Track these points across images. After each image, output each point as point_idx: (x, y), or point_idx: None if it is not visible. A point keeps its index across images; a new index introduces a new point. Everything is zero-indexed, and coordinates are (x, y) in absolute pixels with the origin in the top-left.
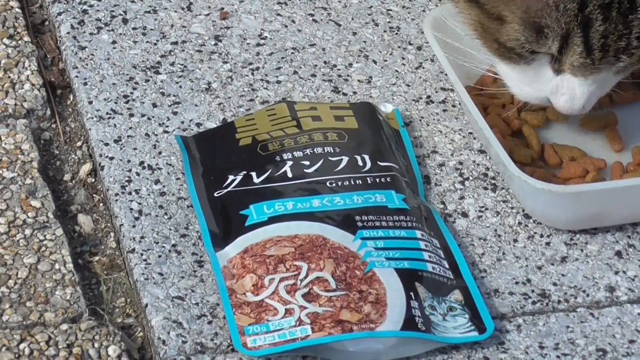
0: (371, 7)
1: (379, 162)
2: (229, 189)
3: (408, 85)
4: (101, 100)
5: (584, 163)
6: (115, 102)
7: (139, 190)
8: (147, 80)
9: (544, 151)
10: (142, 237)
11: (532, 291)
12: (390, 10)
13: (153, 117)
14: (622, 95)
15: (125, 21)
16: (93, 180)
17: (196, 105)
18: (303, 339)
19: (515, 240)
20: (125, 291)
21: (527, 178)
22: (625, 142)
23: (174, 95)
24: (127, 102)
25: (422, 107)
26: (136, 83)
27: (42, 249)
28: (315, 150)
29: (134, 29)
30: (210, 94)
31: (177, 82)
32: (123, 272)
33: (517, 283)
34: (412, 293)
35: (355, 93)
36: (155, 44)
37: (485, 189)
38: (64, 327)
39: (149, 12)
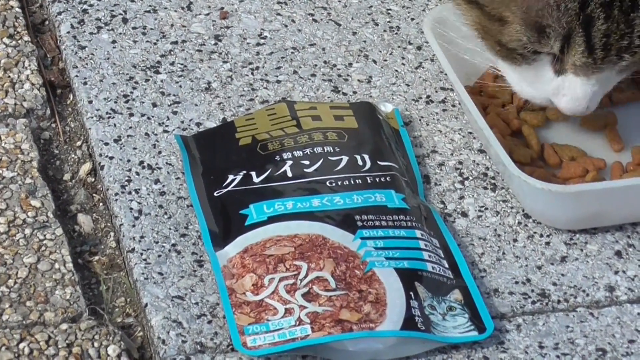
0: (371, 6)
1: (378, 162)
2: (229, 188)
3: (408, 85)
4: (101, 100)
5: (584, 163)
6: (115, 102)
7: (139, 189)
8: (147, 80)
9: (544, 151)
10: (141, 237)
11: (532, 291)
12: (390, 10)
13: (153, 116)
14: (622, 95)
15: (125, 21)
16: (93, 179)
17: (196, 105)
18: (303, 339)
19: (515, 240)
20: (125, 291)
21: (527, 178)
22: (625, 142)
23: (174, 95)
24: (127, 102)
25: (422, 107)
26: (136, 83)
27: (42, 248)
28: (315, 149)
29: (133, 28)
30: (210, 93)
31: (177, 82)
32: (123, 271)
33: (516, 283)
34: (411, 293)
35: (355, 93)
36: (155, 44)
37: (485, 188)
38: (64, 326)
39: (148, 11)
